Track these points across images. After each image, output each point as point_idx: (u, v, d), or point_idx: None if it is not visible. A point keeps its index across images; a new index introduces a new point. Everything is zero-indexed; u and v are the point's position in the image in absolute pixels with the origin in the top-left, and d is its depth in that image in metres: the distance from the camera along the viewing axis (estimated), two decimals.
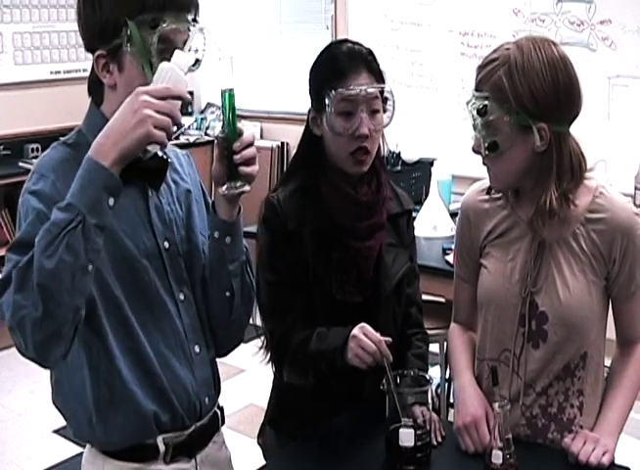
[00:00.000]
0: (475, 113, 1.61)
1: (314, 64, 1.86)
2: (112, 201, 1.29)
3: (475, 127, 1.64)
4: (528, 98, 1.57)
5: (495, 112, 1.59)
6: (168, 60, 1.37)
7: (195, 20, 1.45)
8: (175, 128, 1.35)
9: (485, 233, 1.78)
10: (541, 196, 1.63)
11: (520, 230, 1.73)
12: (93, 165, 1.27)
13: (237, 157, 1.43)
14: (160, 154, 1.57)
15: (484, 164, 1.69)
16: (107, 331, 1.46)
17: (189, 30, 1.44)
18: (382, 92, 1.79)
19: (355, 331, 1.71)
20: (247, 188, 1.46)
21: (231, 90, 1.44)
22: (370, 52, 1.82)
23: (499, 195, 1.77)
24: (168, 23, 1.40)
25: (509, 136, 1.60)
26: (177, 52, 1.39)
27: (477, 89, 1.64)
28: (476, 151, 1.67)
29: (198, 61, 1.48)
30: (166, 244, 1.54)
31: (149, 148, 1.33)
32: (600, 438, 1.63)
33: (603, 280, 1.70)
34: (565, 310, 1.67)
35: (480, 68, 1.64)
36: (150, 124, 1.26)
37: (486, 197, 1.79)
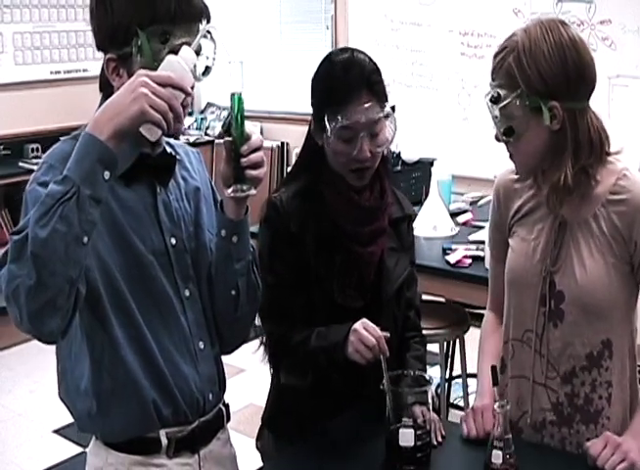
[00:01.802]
0: (488, 101, 1.64)
1: (315, 76, 1.82)
2: (107, 174, 1.29)
3: (492, 117, 1.66)
4: (537, 79, 1.58)
5: (507, 98, 1.61)
6: (176, 54, 1.38)
7: (208, 30, 1.45)
8: (178, 124, 1.35)
9: (513, 212, 1.79)
10: (555, 173, 1.63)
11: (544, 210, 1.73)
12: (88, 139, 1.28)
13: (244, 160, 1.44)
14: (168, 150, 1.58)
15: (507, 150, 1.70)
16: (112, 322, 1.47)
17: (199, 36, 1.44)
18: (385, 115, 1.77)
19: (357, 325, 1.71)
20: (253, 191, 1.48)
21: (240, 94, 1.45)
22: (374, 70, 1.77)
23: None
24: (178, 37, 1.42)
25: (523, 120, 1.62)
26: (185, 48, 1.40)
27: (492, 79, 1.66)
28: (498, 139, 1.69)
29: (208, 68, 1.49)
30: (173, 240, 1.55)
31: (143, 132, 1.32)
32: (623, 443, 1.60)
33: (626, 264, 1.67)
34: (581, 290, 1.66)
35: (494, 57, 1.66)
36: (144, 102, 1.26)
37: (517, 176, 1.78)
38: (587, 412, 1.71)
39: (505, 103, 1.61)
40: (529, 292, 1.73)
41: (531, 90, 1.59)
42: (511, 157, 1.70)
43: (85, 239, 1.28)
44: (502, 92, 1.62)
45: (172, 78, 1.31)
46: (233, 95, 1.45)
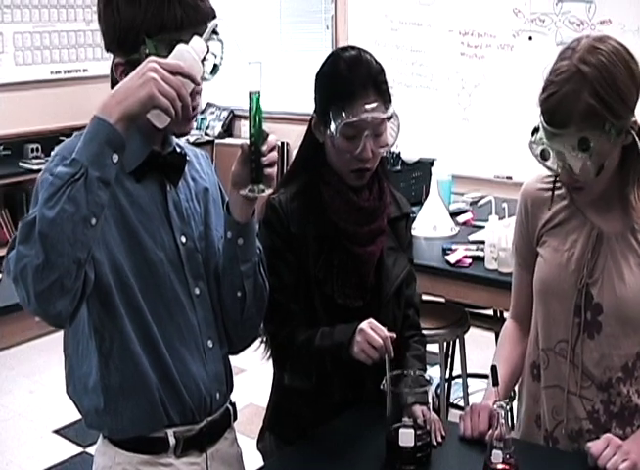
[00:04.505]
0: (576, 148, 1.53)
1: (319, 73, 1.82)
2: (115, 157, 1.30)
3: (560, 160, 1.57)
4: (621, 106, 1.53)
5: (596, 137, 1.52)
6: (186, 44, 1.39)
7: (214, 31, 1.46)
8: (186, 124, 1.36)
9: (543, 222, 1.77)
10: (628, 186, 1.62)
11: (578, 221, 1.71)
12: (97, 122, 1.29)
13: (264, 159, 1.46)
14: (178, 150, 1.59)
15: (576, 187, 1.63)
16: (122, 316, 1.48)
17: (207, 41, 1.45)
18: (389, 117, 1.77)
19: (363, 325, 1.71)
20: (270, 190, 1.50)
21: (258, 93, 1.46)
22: (380, 70, 1.77)
23: (558, 184, 1.73)
24: (186, 43, 1.41)
25: (609, 150, 1.56)
26: (195, 38, 1.40)
27: (559, 127, 1.53)
28: (568, 182, 1.63)
29: (216, 66, 1.49)
30: (183, 238, 1.56)
31: (151, 118, 1.33)
32: (624, 444, 1.60)
33: None
34: (620, 303, 1.65)
35: (556, 103, 1.53)
36: (153, 87, 1.27)
37: (545, 186, 1.76)
38: (623, 416, 1.70)
39: (595, 144, 1.52)
40: (562, 302, 1.71)
41: (617, 118, 1.53)
42: (579, 189, 1.63)
43: (93, 221, 1.29)
44: (588, 134, 1.52)
45: (182, 67, 1.32)
46: (251, 94, 1.46)
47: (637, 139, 1.58)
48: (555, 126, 1.54)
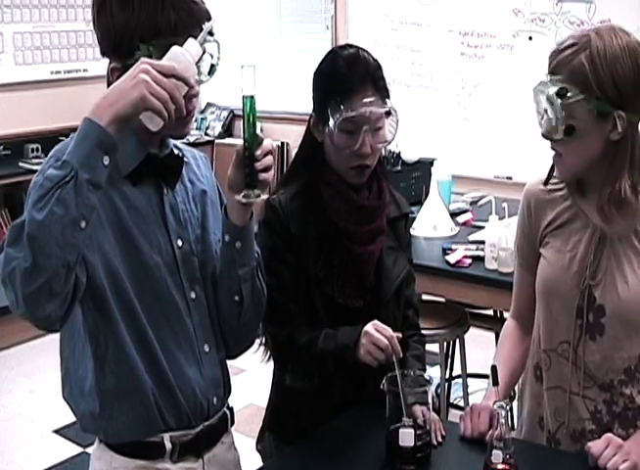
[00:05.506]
0: (553, 95, 1.58)
1: (318, 71, 1.83)
2: (106, 159, 1.28)
3: (546, 111, 1.61)
4: (610, 84, 1.55)
5: (575, 95, 1.56)
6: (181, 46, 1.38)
7: (210, 32, 1.45)
8: (183, 127, 1.35)
9: (546, 223, 1.77)
10: (615, 184, 1.61)
11: (581, 222, 1.71)
12: (88, 124, 1.28)
13: (258, 164, 1.44)
14: (175, 152, 1.58)
15: (554, 149, 1.66)
16: (117, 321, 1.47)
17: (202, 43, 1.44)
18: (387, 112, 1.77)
19: (368, 327, 1.71)
20: (265, 196, 1.49)
21: (252, 96, 1.44)
22: (378, 66, 1.79)
23: (562, 185, 1.74)
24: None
25: (587, 122, 1.58)
26: (190, 40, 1.39)
27: (553, 73, 1.61)
28: (546, 136, 1.64)
29: (213, 66, 1.48)
30: (180, 242, 1.55)
31: (144, 120, 1.32)
32: (624, 444, 1.60)
33: None
34: (622, 305, 1.64)
35: (557, 52, 1.62)
36: (144, 89, 1.26)
37: (549, 186, 1.76)
38: (626, 417, 1.69)
39: (572, 100, 1.56)
40: (564, 303, 1.71)
41: (602, 94, 1.55)
42: (557, 156, 1.66)
43: (83, 223, 1.28)
44: (569, 87, 1.57)
45: (175, 68, 1.31)
46: (245, 98, 1.44)
47: (619, 127, 1.57)
48: (549, 72, 1.62)
